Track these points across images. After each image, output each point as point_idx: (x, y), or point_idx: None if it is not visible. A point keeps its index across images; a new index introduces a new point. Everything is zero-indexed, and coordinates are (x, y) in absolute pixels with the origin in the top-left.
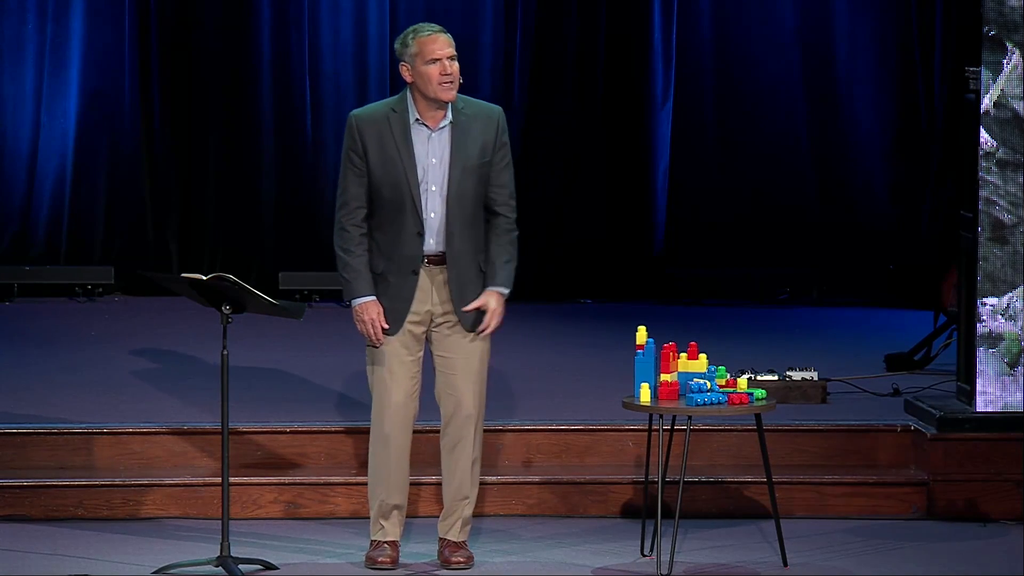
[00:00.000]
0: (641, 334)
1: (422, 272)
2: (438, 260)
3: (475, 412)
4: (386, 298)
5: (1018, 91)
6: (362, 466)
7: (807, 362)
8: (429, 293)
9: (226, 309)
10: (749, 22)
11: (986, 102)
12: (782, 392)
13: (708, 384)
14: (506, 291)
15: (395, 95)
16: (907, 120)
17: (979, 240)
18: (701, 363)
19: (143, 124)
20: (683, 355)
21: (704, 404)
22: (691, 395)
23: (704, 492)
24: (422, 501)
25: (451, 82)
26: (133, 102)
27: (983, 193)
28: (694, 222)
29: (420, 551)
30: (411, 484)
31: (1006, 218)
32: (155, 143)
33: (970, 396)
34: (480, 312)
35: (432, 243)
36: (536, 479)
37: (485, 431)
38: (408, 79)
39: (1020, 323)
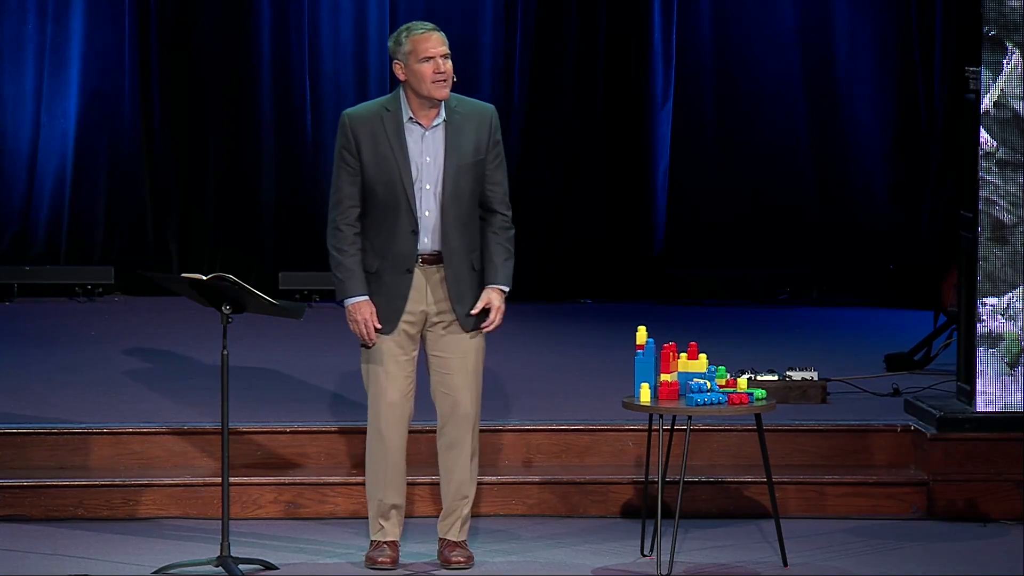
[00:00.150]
0: (641, 334)
1: (416, 271)
2: (432, 259)
3: (472, 411)
4: (381, 297)
5: (1018, 91)
6: (362, 466)
7: (807, 362)
8: (424, 293)
9: (226, 309)
10: (749, 22)
11: (986, 102)
12: (782, 392)
13: (708, 384)
14: (507, 288)
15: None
16: (907, 120)
17: (979, 240)
18: (701, 363)
19: (143, 124)
20: (683, 355)
21: (704, 404)
22: (691, 395)
23: (704, 492)
24: (420, 501)
25: (444, 80)
26: (133, 102)
27: (983, 193)
28: (694, 222)
29: (420, 551)
30: (408, 484)
31: (1006, 218)
32: (155, 143)
33: (970, 396)
34: (478, 311)
35: (427, 242)
36: (536, 479)
37: (485, 431)
38: (401, 77)
39: (1020, 323)
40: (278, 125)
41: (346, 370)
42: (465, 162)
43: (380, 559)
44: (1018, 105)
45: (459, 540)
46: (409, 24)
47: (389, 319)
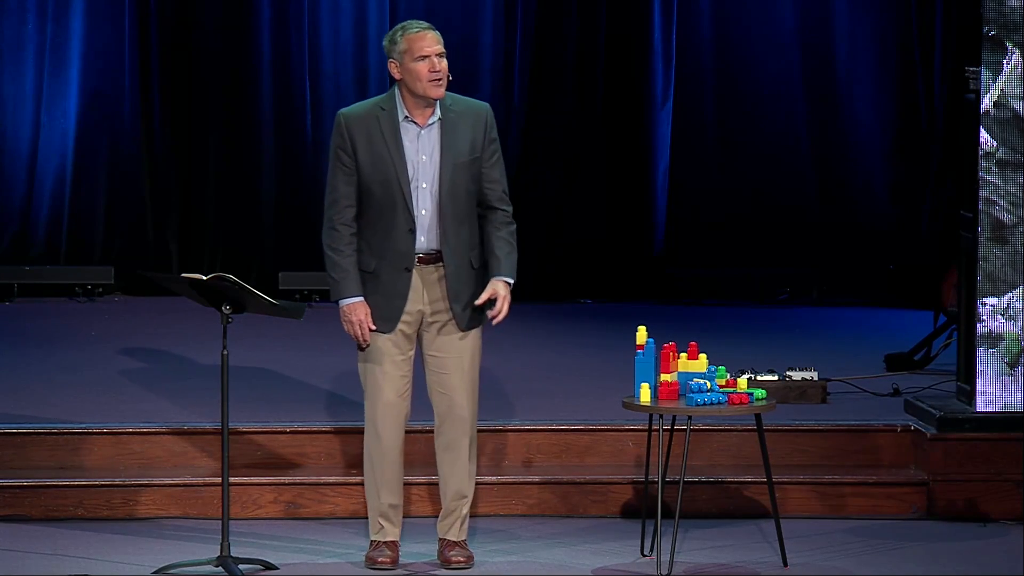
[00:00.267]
0: (641, 334)
1: (413, 270)
2: (429, 259)
3: (468, 411)
4: (380, 296)
5: (1018, 91)
6: (361, 466)
7: (807, 362)
8: (420, 292)
9: (226, 309)
10: (749, 22)
11: (986, 102)
12: (782, 392)
13: (708, 384)
14: (511, 281)
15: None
16: (907, 120)
17: (979, 240)
18: (701, 363)
19: (143, 124)
20: (683, 355)
21: (704, 404)
22: (691, 395)
23: (704, 492)
24: (418, 501)
25: (440, 79)
26: (133, 102)
27: (983, 193)
28: (694, 222)
29: (420, 551)
30: (407, 484)
31: (1006, 218)
32: (155, 143)
33: (970, 396)
34: (477, 308)
35: (423, 240)
36: (536, 479)
37: (486, 431)
38: (397, 76)
39: (1020, 323)
40: (278, 125)
41: (346, 370)
42: (461, 160)
43: (380, 559)
44: (1018, 105)
45: (459, 540)
46: (404, 23)
47: (388, 318)
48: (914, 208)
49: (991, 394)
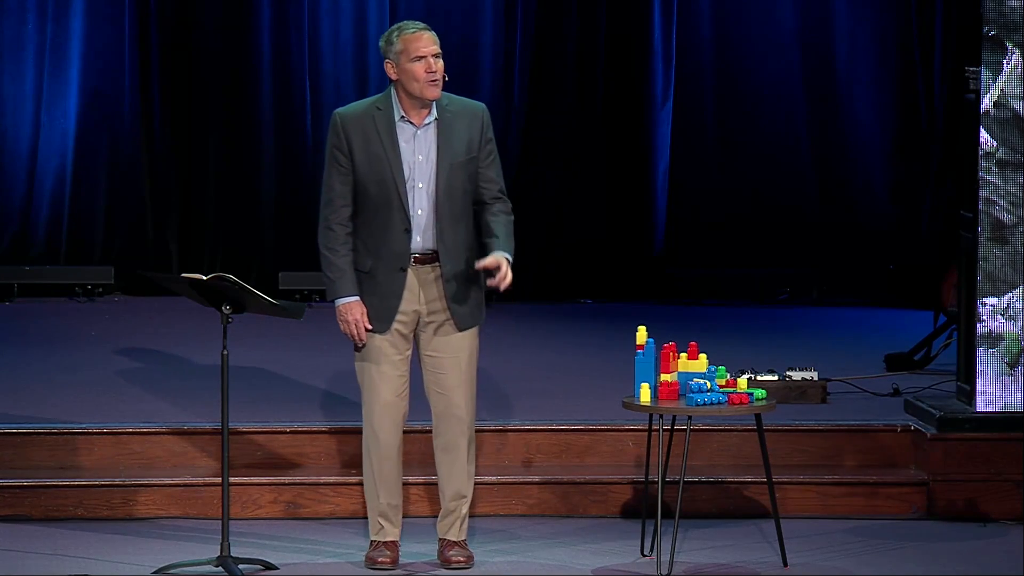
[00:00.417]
0: (641, 334)
1: (409, 271)
2: (425, 259)
3: (466, 410)
4: (375, 296)
5: (1018, 91)
6: (361, 466)
7: (807, 362)
8: (416, 293)
9: (226, 309)
10: (749, 22)
11: (986, 102)
12: (782, 392)
13: (708, 384)
14: (510, 258)
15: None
16: (907, 120)
17: (979, 240)
18: (701, 363)
19: (143, 124)
20: (683, 355)
21: (704, 404)
22: (691, 395)
23: (704, 492)
24: (418, 501)
25: (436, 80)
26: (133, 102)
27: (983, 193)
28: (694, 222)
29: (420, 551)
30: (406, 484)
31: (1006, 218)
32: (155, 143)
33: (970, 396)
34: (475, 306)
35: (419, 240)
36: (536, 479)
37: (486, 431)
38: (393, 76)
39: (1020, 323)
40: (278, 125)
41: (346, 370)
42: (458, 160)
43: (380, 559)
44: (1018, 105)
45: (459, 540)
46: (400, 23)
47: (383, 318)
48: (914, 208)
49: (991, 394)
